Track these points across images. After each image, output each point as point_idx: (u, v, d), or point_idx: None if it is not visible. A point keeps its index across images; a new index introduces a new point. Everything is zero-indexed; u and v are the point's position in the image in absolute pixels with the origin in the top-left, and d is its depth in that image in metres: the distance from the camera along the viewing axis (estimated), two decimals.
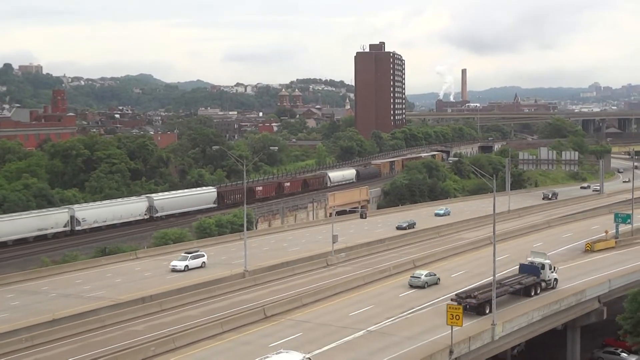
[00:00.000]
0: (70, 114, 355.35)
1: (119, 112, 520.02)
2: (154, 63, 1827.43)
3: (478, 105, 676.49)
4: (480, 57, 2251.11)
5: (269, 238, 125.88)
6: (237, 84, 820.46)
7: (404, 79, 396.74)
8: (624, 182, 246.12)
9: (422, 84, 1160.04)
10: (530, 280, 79.68)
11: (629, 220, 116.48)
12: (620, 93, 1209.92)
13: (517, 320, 69.56)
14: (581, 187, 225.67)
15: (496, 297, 68.71)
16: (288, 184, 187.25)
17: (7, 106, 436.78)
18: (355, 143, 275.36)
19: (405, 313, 71.27)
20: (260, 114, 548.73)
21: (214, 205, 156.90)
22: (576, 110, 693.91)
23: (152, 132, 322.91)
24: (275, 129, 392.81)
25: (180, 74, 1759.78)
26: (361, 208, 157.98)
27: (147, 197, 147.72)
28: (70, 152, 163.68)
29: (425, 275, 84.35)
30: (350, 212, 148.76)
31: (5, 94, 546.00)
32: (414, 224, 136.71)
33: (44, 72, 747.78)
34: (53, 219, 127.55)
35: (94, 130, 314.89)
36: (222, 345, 62.97)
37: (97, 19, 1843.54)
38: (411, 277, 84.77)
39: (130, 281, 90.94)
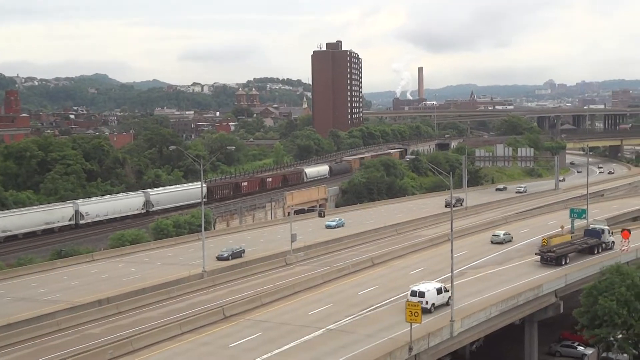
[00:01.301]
0: (24, 114, 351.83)
1: (74, 112, 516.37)
2: (109, 63, 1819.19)
3: (435, 103, 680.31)
4: (437, 56, 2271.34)
5: (228, 238, 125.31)
6: (194, 84, 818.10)
7: (361, 77, 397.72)
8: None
9: (379, 83, 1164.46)
10: (594, 242, 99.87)
11: (584, 216, 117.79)
12: (575, 90, 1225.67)
13: (475, 316, 69.87)
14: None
15: (567, 254, 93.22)
16: (270, 179, 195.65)
17: None
18: (313, 142, 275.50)
19: (364, 311, 71.22)
20: (217, 113, 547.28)
21: (205, 201, 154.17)
22: (532, 107, 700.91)
23: (107, 133, 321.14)
24: (232, 128, 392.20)
25: (136, 73, 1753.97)
26: (319, 207, 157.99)
27: (144, 192, 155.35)
28: (24, 153, 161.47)
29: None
30: (309, 211, 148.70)
31: None
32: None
33: None
34: (59, 213, 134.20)
35: (49, 131, 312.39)
36: (181, 347, 62.47)
37: (51, 18, 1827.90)
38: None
39: (87, 284, 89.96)
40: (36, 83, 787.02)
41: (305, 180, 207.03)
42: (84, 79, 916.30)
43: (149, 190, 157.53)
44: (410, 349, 60.35)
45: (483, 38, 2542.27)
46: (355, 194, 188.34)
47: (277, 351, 59.82)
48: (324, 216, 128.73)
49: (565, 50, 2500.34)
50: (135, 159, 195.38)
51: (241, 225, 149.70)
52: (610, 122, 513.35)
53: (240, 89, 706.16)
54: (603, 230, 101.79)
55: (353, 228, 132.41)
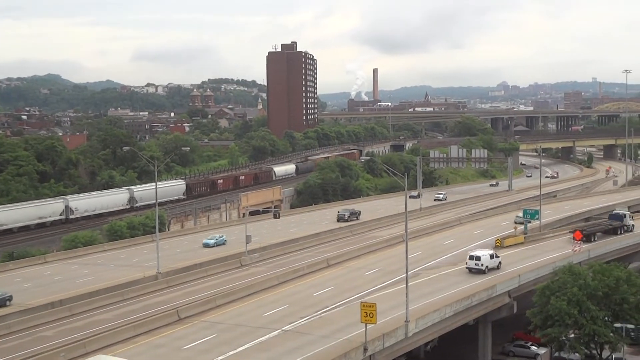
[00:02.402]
0: None
1: (26, 113, 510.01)
2: (62, 63, 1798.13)
3: (389, 104, 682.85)
4: (391, 57, 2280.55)
5: (182, 239, 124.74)
6: (148, 84, 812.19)
7: (316, 78, 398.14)
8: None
9: (334, 84, 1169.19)
10: (617, 224, 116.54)
11: (537, 216, 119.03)
12: (528, 92, 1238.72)
13: (429, 316, 70.23)
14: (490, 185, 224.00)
15: (595, 233, 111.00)
16: (243, 177, 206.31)
17: None
18: (268, 143, 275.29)
19: (320, 312, 71.27)
20: (172, 114, 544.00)
21: (184, 197, 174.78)
22: (486, 108, 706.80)
23: (60, 134, 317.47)
24: (187, 129, 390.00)
25: (89, 74, 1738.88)
26: (274, 208, 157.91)
27: (128, 189, 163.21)
28: None
29: None
30: (264, 212, 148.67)
31: None
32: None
33: None
34: (50, 208, 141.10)
35: (0, 132, 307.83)
36: (135, 349, 61.97)
37: (1, 17, 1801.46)
38: None
39: (40, 286, 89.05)
40: None
41: (274, 179, 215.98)
42: (37, 79, 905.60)
43: (133, 187, 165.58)
44: (365, 349, 60.50)
45: (436, 40, 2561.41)
46: (311, 195, 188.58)
47: (232, 353, 59.64)
48: (279, 217, 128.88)
49: (517, 52, 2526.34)
50: (89, 160, 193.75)
51: (196, 226, 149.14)
52: (562, 123, 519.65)
53: (194, 90, 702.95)
54: (625, 215, 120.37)
55: (308, 229, 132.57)
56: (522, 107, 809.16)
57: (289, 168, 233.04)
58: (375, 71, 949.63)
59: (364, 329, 60.82)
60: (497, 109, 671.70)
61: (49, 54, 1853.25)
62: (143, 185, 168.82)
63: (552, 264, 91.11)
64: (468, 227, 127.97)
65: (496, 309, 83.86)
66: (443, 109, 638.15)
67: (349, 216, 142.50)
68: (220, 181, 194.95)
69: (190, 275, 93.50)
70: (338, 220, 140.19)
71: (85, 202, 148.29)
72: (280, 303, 75.65)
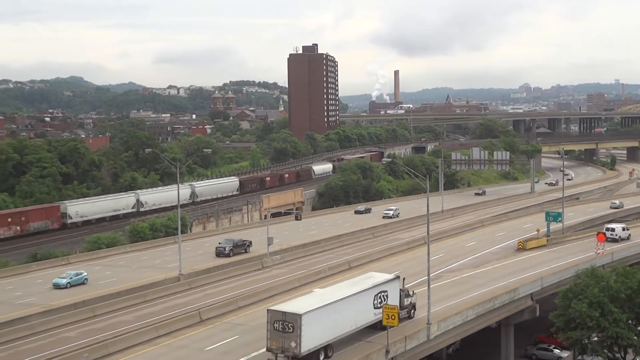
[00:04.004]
0: None
1: (49, 115, 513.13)
2: (84, 65, 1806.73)
3: (411, 106, 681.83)
4: (412, 59, 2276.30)
5: (204, 241, 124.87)
6: (170, 86, 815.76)
7: (337, 80, 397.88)
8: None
9: (355, 86, 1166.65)
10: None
11: (559, 219, 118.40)
12: (550, 93, 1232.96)
13: (451, 319, 70.00)
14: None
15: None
16: (287, 175, 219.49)
17: None
18: (289, 145, 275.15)
19: None
20: (194, 116, 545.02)
21: (237, 193, 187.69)
22: (508, 111, 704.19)
23: (83, 136, 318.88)
24: (208, 131, 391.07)
25: (111, 76, 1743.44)
26: (296, 210, 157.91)
27: (190, 184, 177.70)
28: None
29: None
30: (285, 214, 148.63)
31: None
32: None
33: None
34: (124, 201, 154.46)
35: (24, 134, 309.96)
36: (157, 350, 62.17)
37: (23, 20, 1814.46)
38: None
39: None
40: (11, 85, 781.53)
41: (313, 177, 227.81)
42: (60, 81, 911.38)
43: (195, 182, 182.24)
44: (387, 352, 60.38)
45: (458, 41, 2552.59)
46: (332, 197, 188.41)
47: (253, 354, 59.62)
48: (300, 219, 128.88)
49: (539, 53, 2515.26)
50: (112, 162, 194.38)
51: (217, 228, 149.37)
52: (585, 125, 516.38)
53: (216, 92, 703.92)
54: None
55: (329, 231, 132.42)
56: (544, 109, 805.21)
57: (327, 167, 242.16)
58: (396, 73, 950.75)
59: (386, 331, 60.70)
60: (519, 111, 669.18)
61: (71, 56, 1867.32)
62: (203, 182, 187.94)
63: (575, 266, 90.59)
64: (490, 230, 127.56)
65: (519, 311, 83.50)
66: (465, 110, 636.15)
67: (231, 249, 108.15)
68: (268, 178, 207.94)
69: (211, 277, 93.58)
70: (217, 255, 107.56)
71: (153, 197, 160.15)
72: None
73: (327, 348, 58.41)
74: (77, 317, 74.67)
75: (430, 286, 68.19)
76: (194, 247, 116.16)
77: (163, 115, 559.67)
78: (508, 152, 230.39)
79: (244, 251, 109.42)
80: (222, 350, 61.08)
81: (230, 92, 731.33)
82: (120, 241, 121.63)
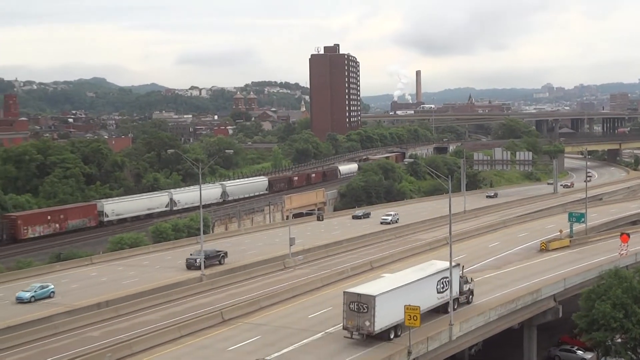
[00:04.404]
0: (23, 118, 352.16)
1: (73, 116, 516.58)
2: (107, 66, 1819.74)
3: (433, 106, 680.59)
4: (434, 59, 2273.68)
5: (226, 241, 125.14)
6: (192, 87, 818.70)
7: (359, 80, 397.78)
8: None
9: (377, 86, 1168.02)
10: None
11: (583, 219, 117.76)
12: (573, 93, 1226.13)
13: (474, 320, 69.87)
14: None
15: None
16: (314, 174, 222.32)
17: None
18: (311, 145, 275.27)
19: None
20: (216, 117, 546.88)
21: (267, 192, 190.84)
22: (531, 111, 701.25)
23: (106, 137, 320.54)
24: (230, 132, 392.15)
25: (134, 77, 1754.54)
26: (318, 210, 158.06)
27: (221, 184, 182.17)
28: (23, 157, 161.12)
29: None
30: (307, 214, 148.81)
31: None
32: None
33: None
34: (158, 200, 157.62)
35: (47, 134, 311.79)
36: (180, 350, 62.45)
37: (48, 21, 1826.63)
38: None
39: (86, 287, 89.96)
40: (35, 87, 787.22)
41: (339, 177, 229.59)
42: (83, 82, 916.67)
43: (225, 182, 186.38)
44: (409, 352, 60.38)
45: (480, 41, 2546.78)
46: (354, 198, 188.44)
47: (275, 354, 59.80)
48: (322, 219, 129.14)
49: (562, 53, 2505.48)
50: (134, 163, 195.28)
51: (239, 228, 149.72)
52: (608, 125, 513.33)
53: (238, 93, 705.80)
54: None
55: (351, 231, 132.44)
56: (567, 109, 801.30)
57: (352, 167, 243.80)
58: (418, 73, 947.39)
59: (408, 332, 60.72)
60: (542, 111, 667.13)
61: (94, 58, 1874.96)
62: (233, 181, 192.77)
63: (598, 267, 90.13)
64: (513, 230, 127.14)
65: (541, 312, 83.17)
66: (487, 111, 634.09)
67: (203, 261, 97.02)
68: (296, 178, 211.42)
69: (234, 277, 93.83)
70: (188, 268, 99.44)
71: (186, 196, 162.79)
72: (324, 305, 75.67)
73: (396, 327, 63.61)
74: (100, 316, 75.16)
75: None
76: (216, 247, 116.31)
77: (185, 116, 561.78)
78: (530, 153, 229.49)
79: (217, 263, 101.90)
80: (245, 351, 61.26)
81: (252, 92, 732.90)
82: (143, 241, 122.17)
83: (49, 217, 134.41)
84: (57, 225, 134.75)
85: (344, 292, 63.71)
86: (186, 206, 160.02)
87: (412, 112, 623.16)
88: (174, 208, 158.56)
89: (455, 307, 70.52)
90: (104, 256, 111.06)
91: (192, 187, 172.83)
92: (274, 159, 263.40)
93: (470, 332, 69.51)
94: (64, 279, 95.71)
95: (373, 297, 61.45)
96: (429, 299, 68.50)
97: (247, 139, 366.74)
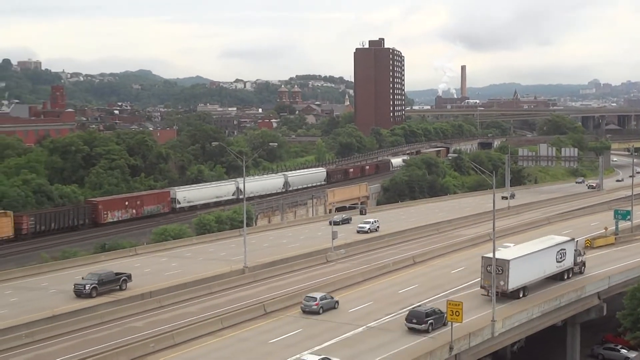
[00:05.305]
0: (69, 109, 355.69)
1: (118, 108, 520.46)
2: (153, 59, 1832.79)
3: (478, 101, 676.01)
4: (479, 54, 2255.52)
5: (269, 234, 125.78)
6: (236, 80, 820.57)
7: (404, 75, 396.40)
8: (617, 181, 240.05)
9: (421, 81, 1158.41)
10: None
11: (628, 217, 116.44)
12: (620, 90, 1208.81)
13: (516, 316, 69.53)
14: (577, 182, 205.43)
15: None
16: (368, 167, 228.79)
17: (6, 102, 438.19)
18: (355, 139, 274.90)
19: (404, 309, 71.00)
20: (260, 110, 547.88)
21: (325, 183, 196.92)
22: (577, 106, 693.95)
23: (151, 128, 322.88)
24: (274, 125, 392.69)
25: (179, 70, 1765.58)
26: (361, 204, 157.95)
27: (284, 174, 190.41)
28: (69, 148, 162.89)
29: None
30: (350, 208, 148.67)
31: (4, 90, 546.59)
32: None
33: (43, 67, 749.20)
34: (225, 189, 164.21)
35: (93, 126, 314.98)
36: (222, 342, 62.89)
37: (95, 14, 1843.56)
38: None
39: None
40: (81, 79, 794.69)
41: (391, 169, 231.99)
42: (128, 74, 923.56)
43: (288, 172, 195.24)
44: (451, 348, 60.23)
45: (526, 37, 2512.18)
46: (397, 192, 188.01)
47: (317, 348, 59.96)
48: (365, 214, 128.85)
49: (609, 49, 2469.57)
50: (179, 155, 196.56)
51: (282, 221, 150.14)
52: None
53: (282, 86, 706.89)
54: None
55: (393, 226, 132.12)
56: (614, 106, 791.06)
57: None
58: (463, 68, 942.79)
59: (450, 327, 60.54)
60: (588, 107, 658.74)
61: (140, 50, 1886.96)
62: (295, 172, 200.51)
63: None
64: (556, 227, 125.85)
65: (585, 310, 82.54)
66: (532, 106, 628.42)
67: (94, 287, 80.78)
68: (351, 170, 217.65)
69: (276, 270, 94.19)
70: (77, 295, 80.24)
71: (251, 185, 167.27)
72: (365, 299, 75.78)
73: (524, 289, 76.29)
74: (144, 307, 75.88)
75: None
76: (259, 240, 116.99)
77: (229, 108, 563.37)
78: (576, 149, 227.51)
79: (117, 288, 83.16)
80: (286, 343, 61.49)
81: (296, 86, 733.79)
82: (186, 233, 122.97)
83: (126, 203, 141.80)
84: (134, 210, 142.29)
85: (482, 256, 74.79)
86: (251, 195, 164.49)
87: (457, 107, 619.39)
88: (240, 196, 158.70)
89: (570, 275, 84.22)
90: (148, 247, 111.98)
91: (256, 176, 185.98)
92: (317, 152, 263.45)
93: (512, 328, 69.23)
94: (108, 269, 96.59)
95: (507, 261, 73.31)
96: (550, 266, 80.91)
97: (291, 132, 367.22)
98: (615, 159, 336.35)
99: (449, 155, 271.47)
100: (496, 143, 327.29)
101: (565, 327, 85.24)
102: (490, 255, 71.01)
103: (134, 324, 70.11)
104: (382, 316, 68.95)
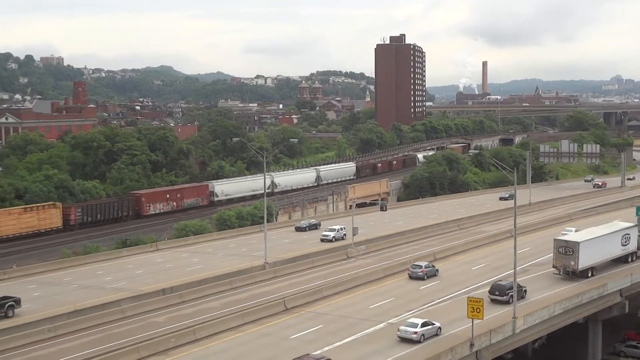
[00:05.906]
0: (91, 105, 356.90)
1: (140, 103, 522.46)
2: (174, 55, 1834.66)
3: (499, 97, 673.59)
4: (501, 50, 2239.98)
5: (290, 230, 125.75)
6: (257, 76, 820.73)
7: (425, 71, 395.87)
8: (628, 179, 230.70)
9: (442, 77, 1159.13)
10: None
11: None
12: None
13: (538, 313, 69.25)
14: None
15: None
16: (395, 162, 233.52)
17: (28, 98, 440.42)
18: (376, 135, 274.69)
19: (425, 306, 71.06)
20: (280, 106, 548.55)
21: (354, 177, 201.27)
22: (599, 102, 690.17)
23: (172, 124, 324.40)
24: (295, 121, 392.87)
25: (200, 65, 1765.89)
26: (381, 200, 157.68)
27: (316, 169, 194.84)
28: (91, 143, 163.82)
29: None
30: (371, 204, 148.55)
31: (27, 86, 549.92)
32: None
33: (65, 63, 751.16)
34: (260, 182, 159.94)
35: (115, 122, 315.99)
36: (243, 337, 63.10)
37: (116, 10, 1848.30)
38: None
39: (151, 272, 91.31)
40: (103, 74, 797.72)
41: (417, 164, 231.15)
42: (150, 70, 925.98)
43: (320, 167, 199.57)
44: (472, 345, 60.11)
45: (548, 32, 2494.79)
46: (418, 189, 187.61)
47: (338, 344, 60.07)
48: (385, 210, 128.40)
49: (633, 44, 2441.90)
50: (200, 151, 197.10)
51: (303, 217, 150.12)
52: None
53: (303, 82, 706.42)
54: None
55: (414, 222, 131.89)
56: (636, 102, 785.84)
57: (429, 155, 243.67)
58: (484, 64, 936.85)
59: (471, 324, 60.43)
60: (611, 103, 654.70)
61: (161, 46, 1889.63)
62: (327, 166, 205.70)
63: None
64: (579, 224, 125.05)
65: (607, 307, 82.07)
66: (554, 102, 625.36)
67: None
68: (380, 165, 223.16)
69: (297, 265, 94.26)
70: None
71: (285, 179, 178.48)
72: (386, 296, 75.78)
73: (592, 269, 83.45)
74: (165, 302, 76.22)
75: (516, 280, 67.56)
76: (279, 236, 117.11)
77: (250, 104, 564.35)
78: (598, 145, 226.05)
79: (3, 315, 70.09)
80: (307, 339, 61.61)
81: (317, 82, 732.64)
82: (207, 229, 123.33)
83: (167, 196, 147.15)
84: (175, 203, 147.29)
85: (555, 239, 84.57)
86: (286, 188, 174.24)
87: (478, 103, 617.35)
88: (275, 190, 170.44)
89: (634, 259, 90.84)
90: (169, 242, 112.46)
91: (291, 170, 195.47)
92: (338, 148, 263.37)
93: (534, 325, 68.94)
94: (130, 264, 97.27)
95: (578, 243, 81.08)
96: (615, 249, 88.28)
97: (312, 128, 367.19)
98: (637, 156, 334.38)
99: (470, 151, 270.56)
100: (517, 139, 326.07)
101: (587, 325, 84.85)
102: (562, 238, 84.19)
103: (155, 319, 70.45)
104: (404, 312, 68.86)
